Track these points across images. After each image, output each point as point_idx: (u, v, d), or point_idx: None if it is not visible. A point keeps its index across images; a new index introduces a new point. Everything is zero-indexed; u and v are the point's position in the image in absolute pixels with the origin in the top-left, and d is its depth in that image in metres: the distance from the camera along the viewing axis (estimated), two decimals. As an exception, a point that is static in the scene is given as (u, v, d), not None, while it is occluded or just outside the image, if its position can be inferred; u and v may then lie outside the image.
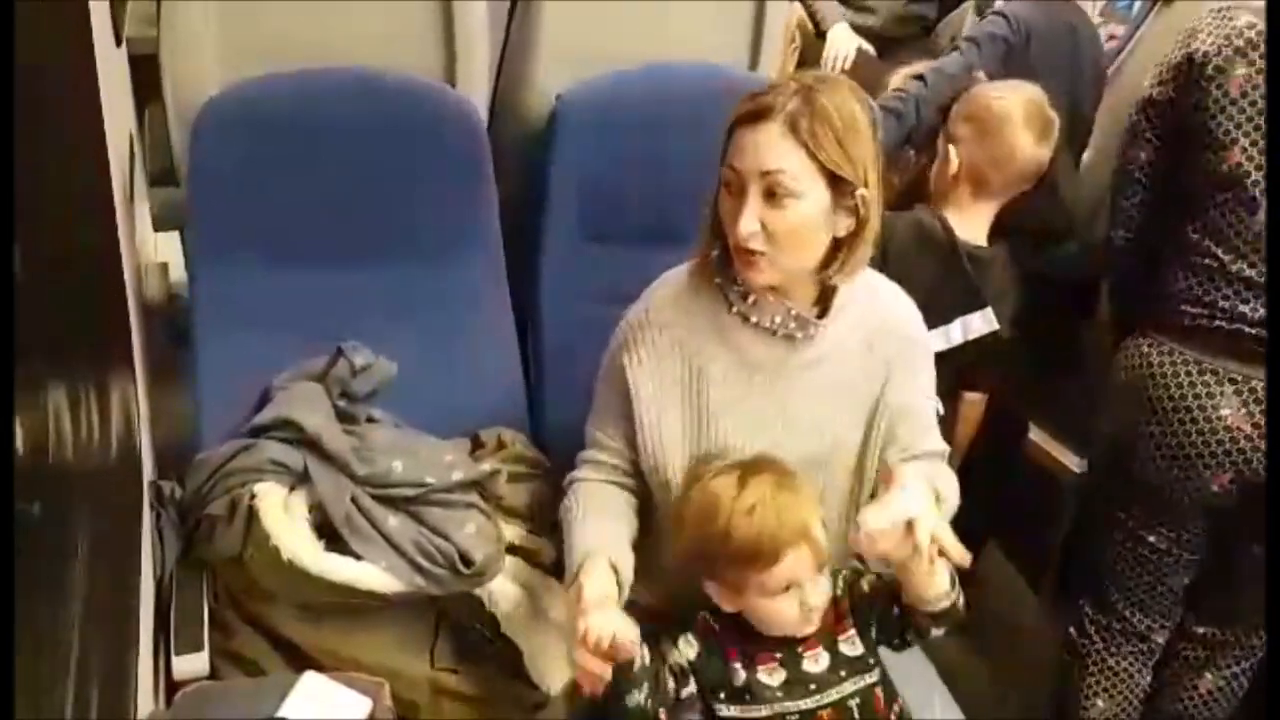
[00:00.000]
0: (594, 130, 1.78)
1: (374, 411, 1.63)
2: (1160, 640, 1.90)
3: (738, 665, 1.35)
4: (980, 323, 1.93)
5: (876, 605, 1.38)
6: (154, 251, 1.88)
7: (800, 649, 1.36)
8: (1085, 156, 2.41)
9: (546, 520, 1.62)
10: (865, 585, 1.40)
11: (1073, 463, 2.40)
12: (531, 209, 1.83)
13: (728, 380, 1.42)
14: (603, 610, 1.28)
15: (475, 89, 1.79)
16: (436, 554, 1.43)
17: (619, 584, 1.35)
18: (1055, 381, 2.60)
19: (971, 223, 1.94)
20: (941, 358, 1.73)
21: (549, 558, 1.60)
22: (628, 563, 1.39)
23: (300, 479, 1.47)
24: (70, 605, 1.13)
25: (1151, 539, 1.80)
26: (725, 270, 1.40)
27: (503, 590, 1.49)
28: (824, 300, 1.41)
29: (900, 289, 1.52)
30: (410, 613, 1.47)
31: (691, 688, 1.35)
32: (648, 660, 1.30)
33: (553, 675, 1.48)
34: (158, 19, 1.61)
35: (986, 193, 1.93)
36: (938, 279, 1.87)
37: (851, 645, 1.38)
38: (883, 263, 1.75)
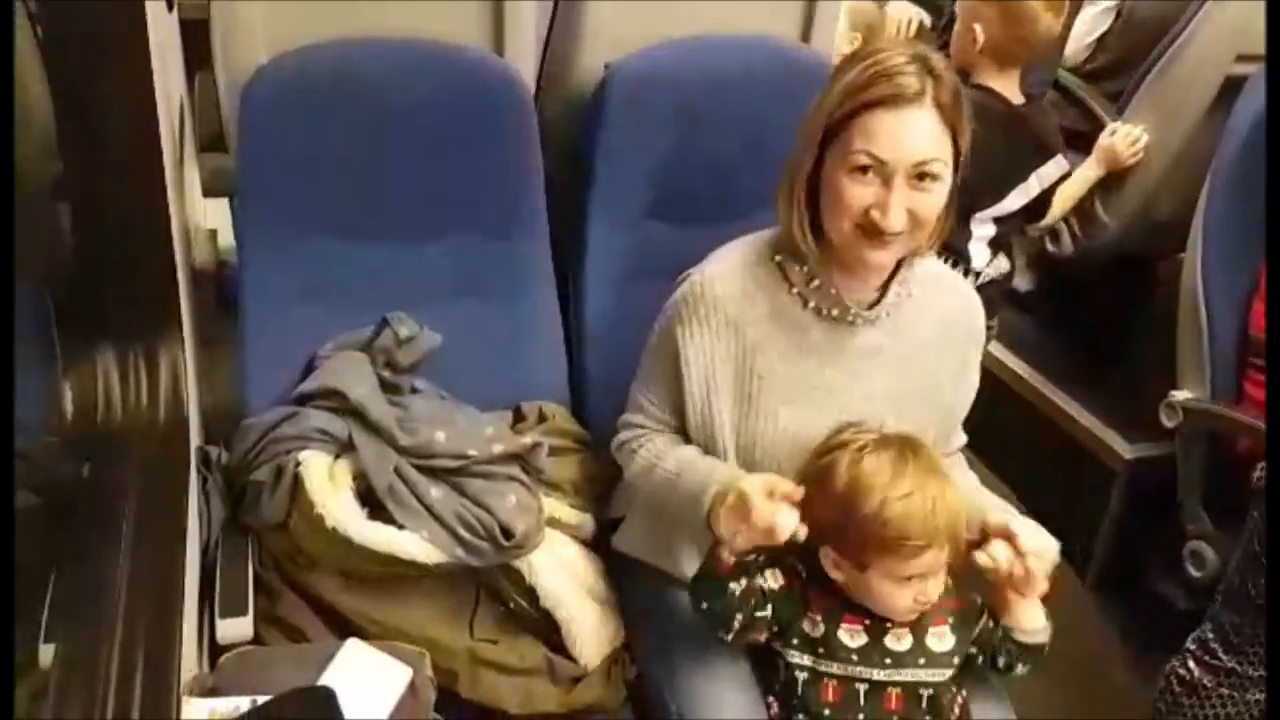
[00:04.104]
0: (643, 102, 1.75)
1: (417, 382, 1.63)
2: None
3: (818, 618, 1.34)
4: (1054, 169, 2.12)
5: (986, 616, 1.38)
6: (203, 218, 1.89)
7: (888, 624, 1.34)
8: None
9: (587, 494, 1.62)
10: (979, 598, 1.39)
11: (1122, 449, 2.38)
12: (578, 182, 1.81)
13: (783, 362, 1.40)
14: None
15: (523, 61, 1.77)
16: (478, 525, 1.43)
17: None
18: (1104, 366, 2.57)
19: (1007, 88, 2.06)
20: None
21: (589, 532, 1.60)
22: None
23: (344, 448, 1.48)
24: (116, 567, 1.14)
25: None
26: (788, 248, 1.38)
27: (543, 563, 1.49)
28: (887, 284, 1.39)
29: (959, 275, 1.51)
30: (451, 583, 1.48)
31: (766, 613, 1.34)
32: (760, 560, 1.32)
33: (591, 648, 1.48)
34: (209, -15, 1.61)
35: (1011, 63, 2.07)
36: (1008, 146, 2.01)
37: (939, 640, 1.35)
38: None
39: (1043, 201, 2.18)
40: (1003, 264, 2.17)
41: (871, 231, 1.29)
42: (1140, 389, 2.23)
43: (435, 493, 1.45)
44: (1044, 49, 2.14)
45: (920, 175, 1.27)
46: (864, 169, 1.28)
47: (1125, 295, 2.62)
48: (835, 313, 1.39)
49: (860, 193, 1.28)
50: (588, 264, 1.81)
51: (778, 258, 1.40)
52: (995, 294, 2.16)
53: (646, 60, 1.77)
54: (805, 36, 1.90)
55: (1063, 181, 2.17)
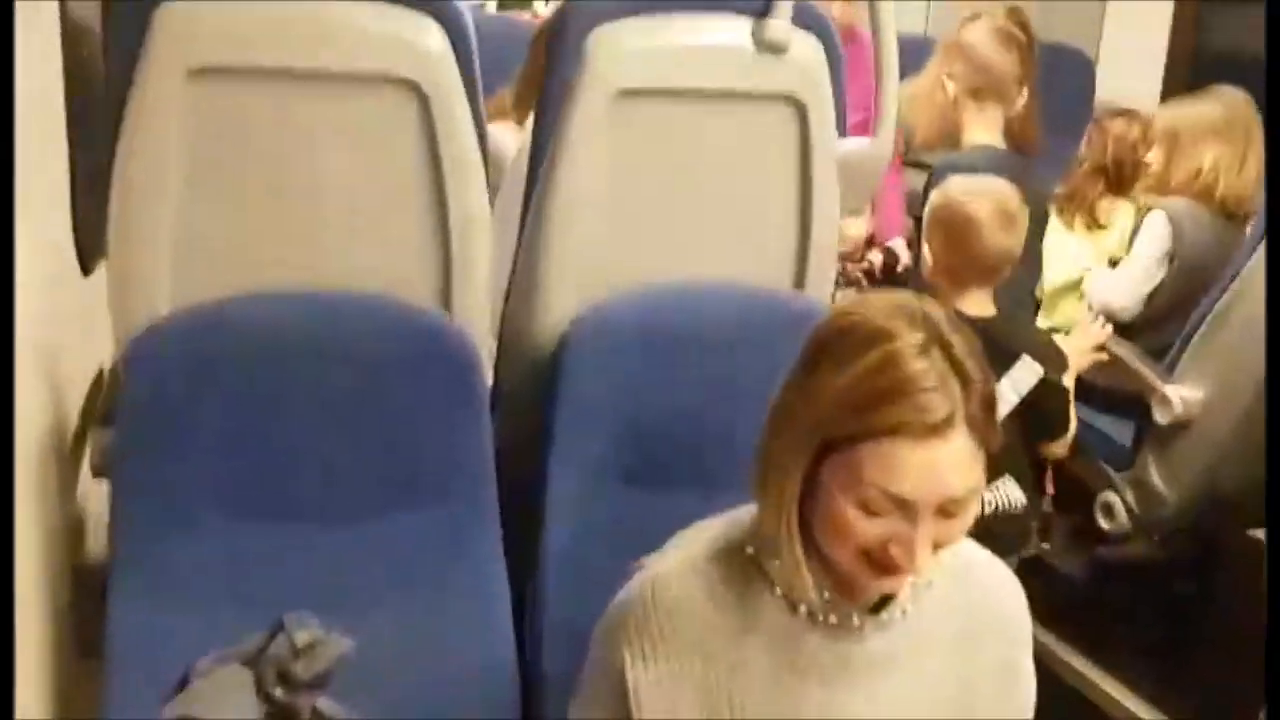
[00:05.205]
0: (610, 358, 1.54)
1: (321, 702, 1.31)
2: None
3: None
4: (1025, 372, 1.98)
5: None
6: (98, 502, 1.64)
7: None
8: (1192, 397, 2.13)
9: None
10: None
11: (1146, 714, 2.03)
12: (536, 448, 1.56)
13: (771, 687, 1.09)
14: None
15: (475, 317, 1.56)
16: None
17: None
18: (1181, 666, 2.24)
19: (969, 302, 1.97)
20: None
21: None
22: None
23: (200, 804, 1.15)
24: None
25: None
26: (764, 541, 1.09)
27: None
28: None
29: (995, 558, 1.21)
30: None
31: None
32: None
33: None
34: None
35: (962, 285, 1.98)
36: None
37: None
38: None
39: (1049, 417, 2.02)
40: (1014, 493, 1.97)
41: (883, 561, 1.01)
42: (1228, 694, 1.89)
43: None
44: (1003, 266, 1.98)
45: (947, 510, 1.00)
46: (873, 505, 0.99)
47: (1197, 574, 2.33)
48: (834, 619, 1.09)
49: (870, 527, 0.99)
50: (548, 547, 1.54)
51: (750, 549, 1.10)
52: (1007, 530, 1.94)
53: (615, 311, 1.57)
54: (799, 284, 1.70)
55: (1041, 386, 1.97)
